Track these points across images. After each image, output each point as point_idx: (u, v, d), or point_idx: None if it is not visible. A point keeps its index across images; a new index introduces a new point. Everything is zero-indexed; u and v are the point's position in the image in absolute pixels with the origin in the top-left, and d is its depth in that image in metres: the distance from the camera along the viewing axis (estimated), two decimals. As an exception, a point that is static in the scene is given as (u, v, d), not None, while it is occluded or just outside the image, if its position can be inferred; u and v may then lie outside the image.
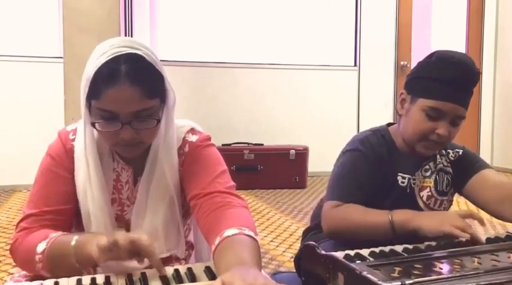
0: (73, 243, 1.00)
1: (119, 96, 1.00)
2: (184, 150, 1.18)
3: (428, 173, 1.46)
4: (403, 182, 1.43)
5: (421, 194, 1.45)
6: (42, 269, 1.03)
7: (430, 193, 1.45)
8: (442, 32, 5.43)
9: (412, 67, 1.58)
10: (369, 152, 1.42)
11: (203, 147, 1.18)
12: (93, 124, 1.05)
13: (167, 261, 1.20)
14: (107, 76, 1.00)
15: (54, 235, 1.05)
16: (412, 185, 1.45)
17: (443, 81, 1.33)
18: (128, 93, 1.00)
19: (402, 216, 1.26)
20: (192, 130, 1.21)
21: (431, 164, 1.47)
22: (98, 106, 1.02)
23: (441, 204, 1.47)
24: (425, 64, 1.40)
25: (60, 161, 1.14)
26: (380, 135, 1.47)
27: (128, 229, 1.17)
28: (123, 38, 1.10)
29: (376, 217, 1.29)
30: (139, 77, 1.01)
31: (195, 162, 1.16)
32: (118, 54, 1.01)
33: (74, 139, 1.16)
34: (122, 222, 1.18)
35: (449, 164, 1.49)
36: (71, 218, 1.15)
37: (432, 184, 1.46)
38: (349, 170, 1.43)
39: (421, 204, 1.45)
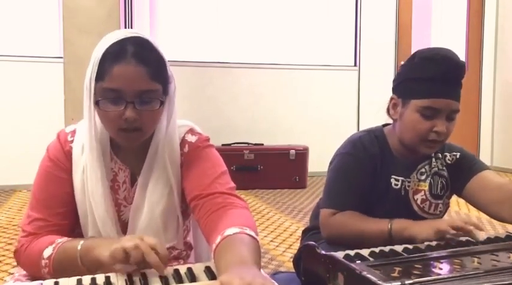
0: (79, 247, 1.02)
1: (125, 73, 1.03)
2: (184, 151, 1.17)
3: (423, 177, 1.45)
4: (396, 185, 1.43)
5: (415, 197, 1.45)
6: (48, 273, 1.04)
7: (424, 197, 1.45)
8: (442, 32, 5.43)
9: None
10: (361, 155, 1.43)
11: (202, 148, 1.18)
12: (97, 103, 1.05)
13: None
14: (114, 54, 1.04)
15: (61, 240, 1.06)
16: (407, 188, 1.44)
17: (432, 79, 1.33)
18: (133, 70, 1.03)
19: (399, 225, 1.30)
20: (191, 131, 1.21)
21: (426, 167, 1.46)
22: (104, 86, 1.04)
23: (436, 207, 1.46)
24: (410, 66, 1.40)
25: (59, 163, 1.14)
26: (374, 136, 1.47)
27: (125, 230, 1.17)
28: (130, 29, 1.13)
29: (374, 226, 1.33)
30: (145, 58, 1.04)
31: (195, 163, 1.15)
32: (125, 37, 1.06)
33: (72, 141, 1.16)
34: (119, 223, 1.17)
35: (444, 168, 1.48)
36: (72, 220, 1.16)
37: (427, 188, 1.45)
38: (341, 175, 1.46)
39: (415, 207, 1.45)
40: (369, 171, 1.42)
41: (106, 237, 1.10)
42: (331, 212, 1.41)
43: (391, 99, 1.45)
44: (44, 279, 0.96)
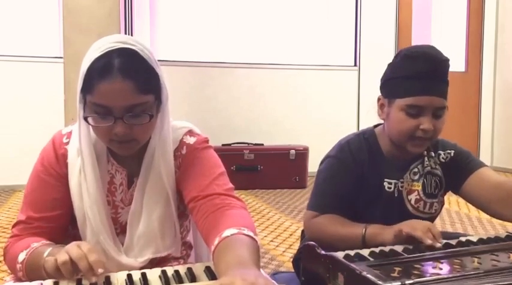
0: (45, 255, 0.99)
1: (111, 90, 0.99)
2: (182, 152, 1.17)
3: (416, 177, 1.45)
4: (389, 188, 1.43)
5: (409, 197, 1.44)
6: (22, 277, 1.04)
7: (418, 197, 1.44)
8: (442, 32, 5.43)
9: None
10: (348, 160, 1.42)
11: (201, 149, 1.17)
12: (85, 119, 1.04)
13: (164, 261, 1.21)
14: (100, 70, 1.00)
15: (36, 244, 1.05)
16: (400, 189, 1.44)
17: (414, 77, 1.32)
18: (120, 86, 0.99)
19: (373, 230, 1.29)
20: (190, 132, 1.20)
21: (419, 167, 1.45)
22: (92, 101, 1.02)
23: (431, 206, 1.46)
24: (393, 65, 1.40)
25: (50, 169, 1.13)
26: (363, 138, 1.47)
27: (123, 231, 1.17)
28: (120, 35, 1.09)
29: (350, 230, 1.33)
30: (132, 71, 1.00)
31: (193, 164, 1.15)
32: (111, 48, 1.01)
33: (67, 143, 1.15)
34: (117, 225, 1.17)
35: (437, 167, 1.47)
36: (60, 223, 1.15)
37: (420, 188, 1.44)
38: (326, 179, 1.46)
39: (409, 207, 1.44)
40: (355, 176, 1.42)
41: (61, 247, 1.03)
42: (313, 215, 1.42)
43: (378, 99, 1.45)
44: (43, 279, 0.96)
